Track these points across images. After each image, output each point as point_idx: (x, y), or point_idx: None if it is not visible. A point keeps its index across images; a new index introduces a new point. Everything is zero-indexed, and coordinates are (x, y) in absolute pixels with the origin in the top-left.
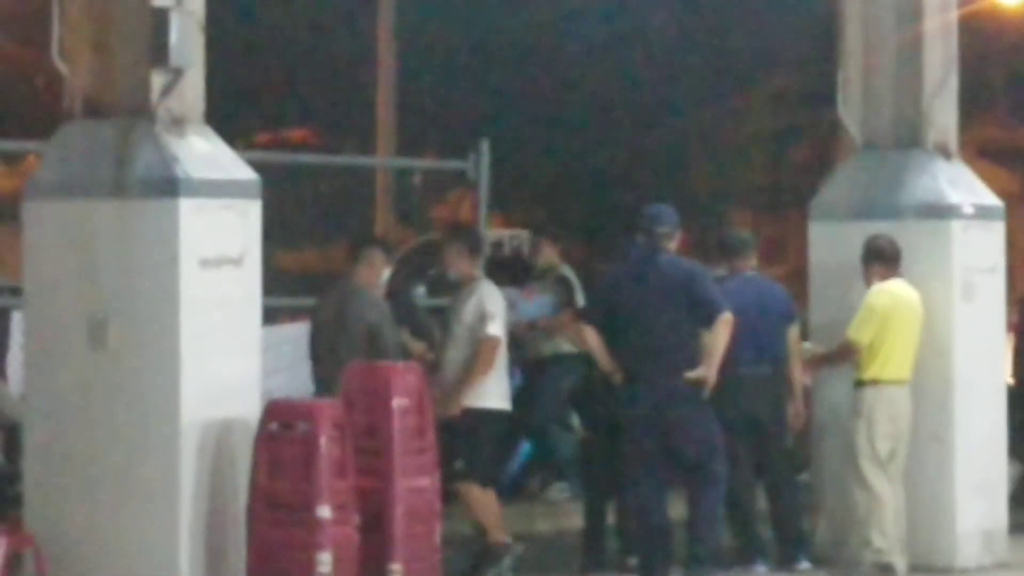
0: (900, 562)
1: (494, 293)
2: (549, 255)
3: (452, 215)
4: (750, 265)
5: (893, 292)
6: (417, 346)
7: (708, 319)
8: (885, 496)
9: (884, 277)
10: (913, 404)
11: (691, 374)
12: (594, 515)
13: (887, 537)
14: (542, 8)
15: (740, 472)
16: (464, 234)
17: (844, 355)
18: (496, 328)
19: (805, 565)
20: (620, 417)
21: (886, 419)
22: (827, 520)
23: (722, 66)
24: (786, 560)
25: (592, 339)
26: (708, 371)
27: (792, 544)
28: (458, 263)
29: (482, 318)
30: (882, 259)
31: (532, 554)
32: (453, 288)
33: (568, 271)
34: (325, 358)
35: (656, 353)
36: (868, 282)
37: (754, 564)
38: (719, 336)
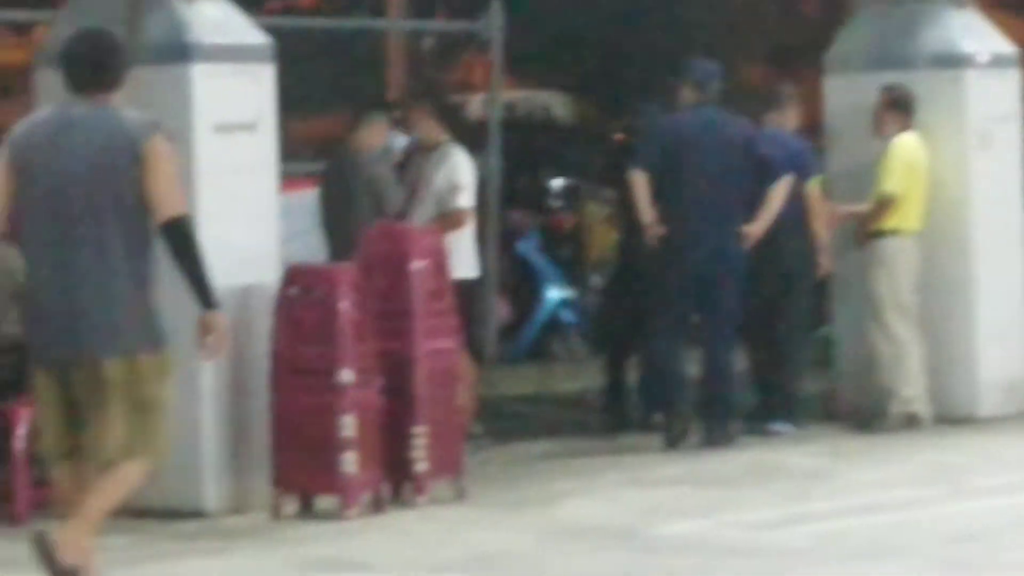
0: (926, 411)
1: (464, 162)
2: (427, 128)
3: (465, 79)
4: (779, 121)
5: (913, 143)
6: None
7: (767, 180)
8: (912, 345)
9: (902, 127)
10: (931, 255)
11: (745, 229)
12: (614, 373)
13: (914, 387)
14: None
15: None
16: (430, 96)
17: (884, 209)
18: (466, 200)
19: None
20: (656, 272)
21: (908, 269)
22: (848, 376)
23: None
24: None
25: (641, 187)
26: (758, 228)
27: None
28: (424, 126)
29: (452, 188)
30: (900, 108)
31: (554, 415)
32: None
33: (455, 148)
34: (334, 224)
35: (710, 209)
36: (882, 131)
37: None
38: (776, 198)
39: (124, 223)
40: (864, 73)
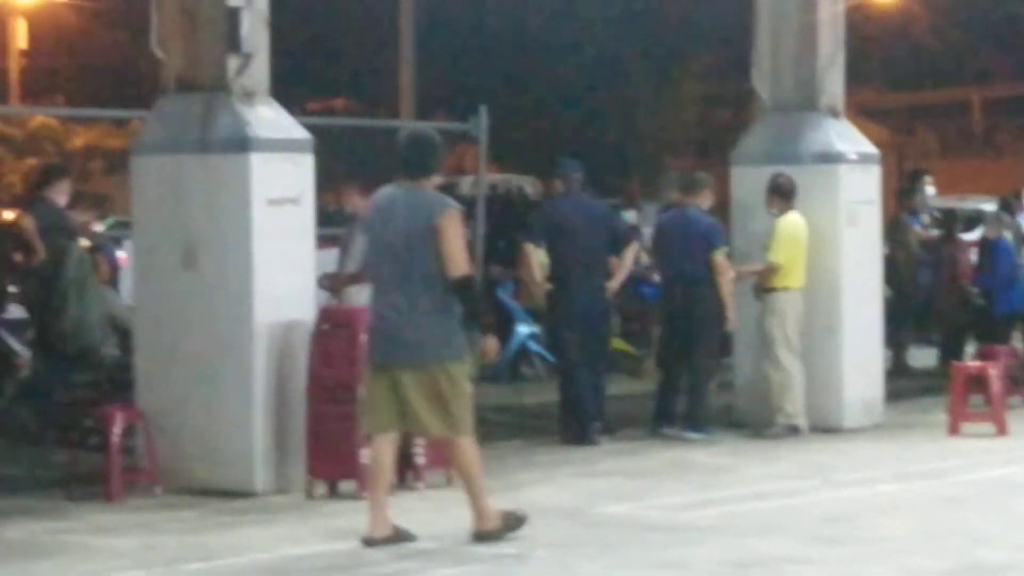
0: (805, 424)
1: None
2: (356, 204)
3: (458, 164)
4: (696, 201)
5: (796, 220)
6: None
7: (621, 245)
8: (796, 373)
9: (783, 208)
10: (810, 304)
11: (609, 283)
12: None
13: (796, 405)
14: (529, 6)
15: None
16: (361, 176)
17: (773, 273)
18: None
19: (693, 435)
20: (548, 318)
21: (795, 316)
22: (744, 395)
23: (663, 44)
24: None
25: (530, 256)
26: (615, 282)
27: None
28: (353, 200)
29: None
30: (781, 194)
31: (521, 422)
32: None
33: None
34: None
35: (583, 269)
36: (770, 210)
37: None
38: (627, 258)
39: (430, 269)
40: (762, 166)
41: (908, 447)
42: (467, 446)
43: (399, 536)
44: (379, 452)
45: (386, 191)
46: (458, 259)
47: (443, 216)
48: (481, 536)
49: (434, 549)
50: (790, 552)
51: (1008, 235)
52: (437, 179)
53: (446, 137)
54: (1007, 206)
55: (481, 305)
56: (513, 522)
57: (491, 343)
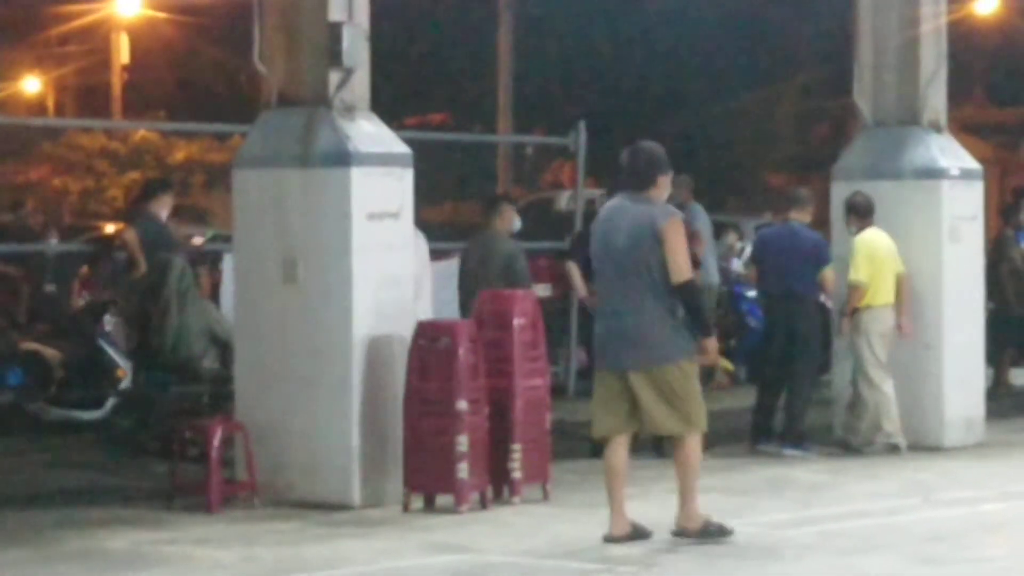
0: (903, 442)
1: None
2: (509, 218)
3: (556, 179)
4: (800, 217)
5: (874, 237)
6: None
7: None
8: (890, 392)
9: (861, 226)
10: (914, 320)
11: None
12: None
13: (895, 423)
14: (627, 23)
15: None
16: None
17: (856, 296)
18: None
19: (792, 451)
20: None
21: (882, 334)
22: (842, 413)
23: (764, 62)
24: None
25: (574, 273)
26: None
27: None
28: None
29: None
30: (857, 212)
31: None
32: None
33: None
34: (472, 291)
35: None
36: (848, 228)
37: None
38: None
39: (653, 276)
40: (864, 181)
41: (1011, 466)
42: (695, 443)
43: (637, 533)
44: (612, 455)
45: (613, 202)
46: (681, 265)
47: (667, 224)
48: (680, 532)
49: (528, 566)
50: (892, 571)
51: None
52: (665, 190)
53: (543, 152)
54: None
55: (704, 307)
56: (715, 530)
57: (711, 344)
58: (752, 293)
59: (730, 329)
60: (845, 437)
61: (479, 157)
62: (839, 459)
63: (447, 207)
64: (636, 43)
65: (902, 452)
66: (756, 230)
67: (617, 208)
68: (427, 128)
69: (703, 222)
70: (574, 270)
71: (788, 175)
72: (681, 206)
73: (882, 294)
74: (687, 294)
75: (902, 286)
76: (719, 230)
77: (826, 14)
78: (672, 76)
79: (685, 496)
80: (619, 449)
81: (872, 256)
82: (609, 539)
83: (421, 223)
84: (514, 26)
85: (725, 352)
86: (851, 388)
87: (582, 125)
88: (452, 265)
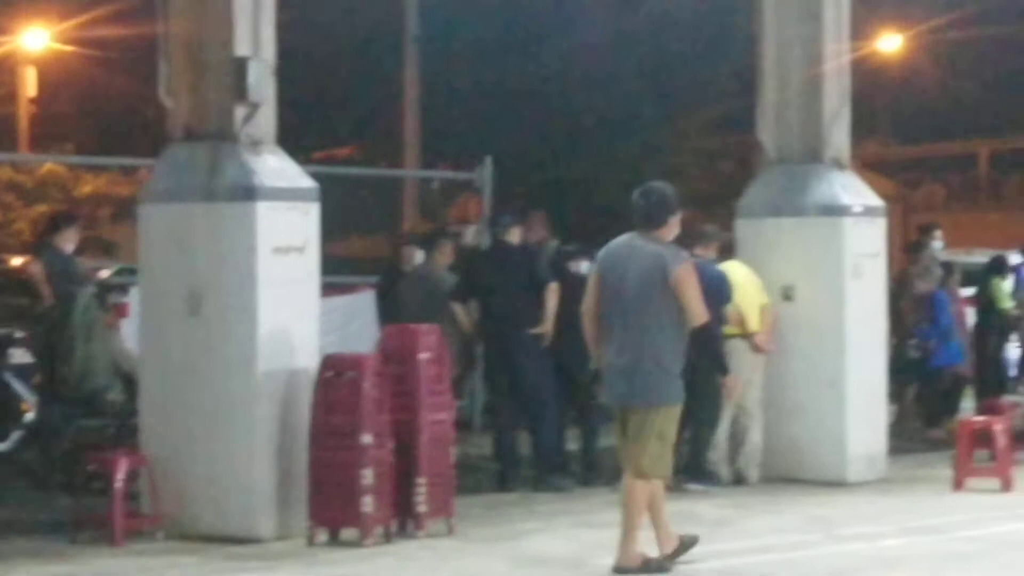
0: (725, 473)
1: None
2: (448, 253)
3: (462, 214)
4: (704, 253)
5: (730, 270)
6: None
7: (540, 290)
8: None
9: (719, 260)
10: (814, 357)
11: (533, 330)
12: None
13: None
14: (534, 57)
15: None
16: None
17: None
18: None
19: (695, 486)
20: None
21: (749, 365)
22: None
23: (670, 98)
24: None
25: (458, 309)
26: (545, 327)
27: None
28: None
29: None
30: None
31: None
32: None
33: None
34: (411, 320)
35: (507, 313)
36: None
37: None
38: (549, 301)
39: (660, 317)
40: (767, 218)
41: (913, 502)
42: (645, 486)
43: (647, 566)
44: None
45: (622, 239)
46: (698, 309)
47: (680, 268)
48: (620, 570)
49: None
50: None
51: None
52: (674, 230)
53: (450, 187)
54: (999, 262)
55: (722, 350)
56: (654, 567)
57: (731, 381)
58: None
59: None
60: (731, 469)
61: (386, 191)
62: (742, 494)
63: (354, 241)
64: (544, 79)
65: (720, 483)
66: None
67: (627, 247)
68: (334, 162)
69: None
70: (460, 309)
71: (694, 211)
72: (540, 244)
73: (749, 325)
74: (705, 337)
75: (766, 317)
76: None
77: (733, 51)
78: (580, 112)
79: (655, 520)
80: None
81: (735, 288)
82: (619, 570)
83: (328, 257)
84: (421, 60)
85: None
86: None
87: (488, 160)
88: (361, 299)
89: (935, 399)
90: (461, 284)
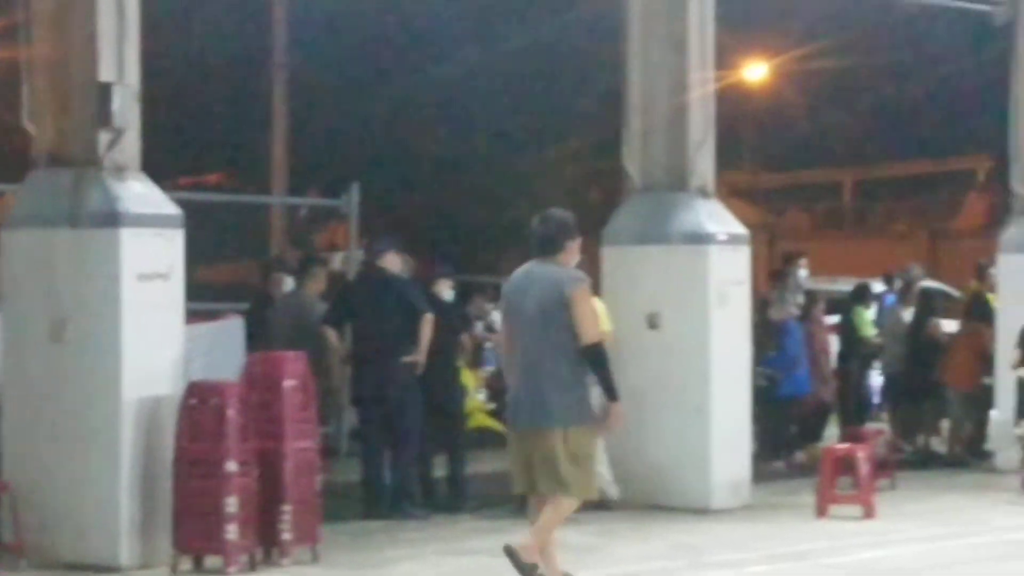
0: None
1: None
2: (321, 279)
3: (331, 240)
4: None
5: None
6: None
7: (414, 319)
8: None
9: None
10: (680, 384)
11: (406, 358)
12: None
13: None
14: (402, 86)
15: None
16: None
17: None
18: None
19: None
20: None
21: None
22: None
23: (538, 126)
24: None
25: (329, 334)
26: (418, 356)
27: None
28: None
29: None
30: None
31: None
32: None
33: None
34: (283, 346)
35: (379, 342)
36: None
37: None
38: (424, 331)
39: (561, 339)
40: (632, 246)
41: (777, 529)
42: (567, 505)
43: None
44: (533, 512)
45: (524, 266)
46: (588, 328)
47: (575, 289)
48: (511, 554)
49: None
50: None
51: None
52: (573, 255)
53: (319, 213)
54: (862, 291)
55: (610, 371)
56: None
57: (616, 408)
58: None
59: (501, 391)
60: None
61: (253, 218)
62: (608, 520)
63: (221, 268)
64: (411, 106)
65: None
66: None
67: (527, 273)
68: (202, 188)
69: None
70: (330, 332)
71: None
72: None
73: None
74: (593, 356)
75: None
76: (468, 293)
77: (602, 79)
78: (448, 139)
79: (537, 531)
80: (540, 505)
81: None
82: None
83: (194, 284)
84: (289, 87)
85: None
86: None
87: (355, 187)
88: (227, 326)
89: (781, 428)
90: (334, 308)
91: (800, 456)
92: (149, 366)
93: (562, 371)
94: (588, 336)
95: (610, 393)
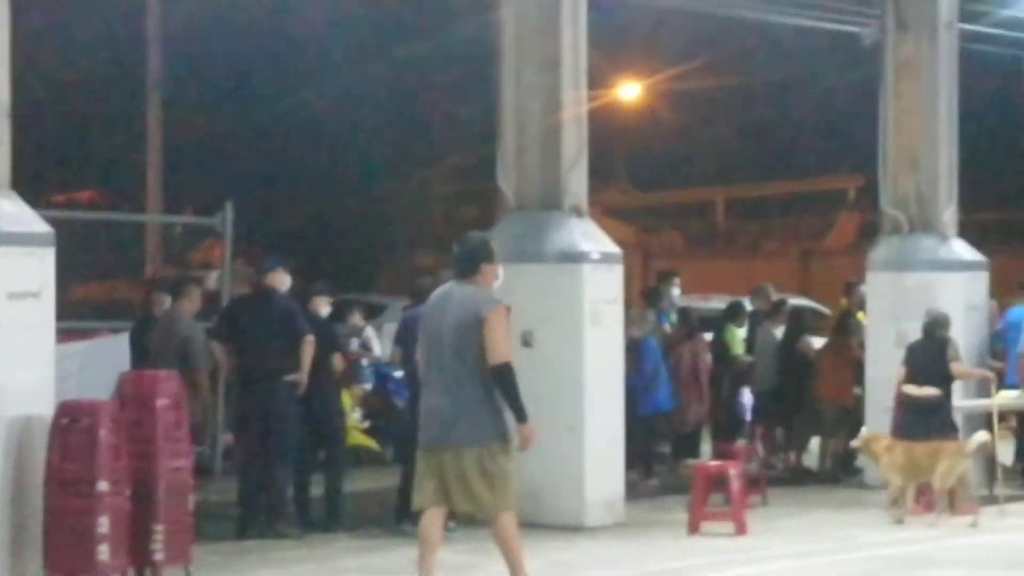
0: None
1: None
2: (196, 299)
3: (206, 259)
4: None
5: None
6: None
7: (297, 339)
8: None
9: None
10: (553, 403)
11: (288, 377)
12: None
13: None
14: (278, 105)
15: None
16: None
17: None
18: None
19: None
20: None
21: None
22: None
23: (413, 145)
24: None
25: (218, 350)
26: (301, 376)
27: None
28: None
29: None
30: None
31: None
32: None
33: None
34: (161, 365)
35: (264, 360)
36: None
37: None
38: (305, 353)
39: (477, 359)
40: (506, 264)
41: (649, 546)
42: (506, 522)
43: None
44: (426, 527)
45: (443, 288)
46: (498, 349)
47: (489, 310)
48: None
49: None
50: None
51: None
52: (495, 277)
53: (194, 231)
54: (734, 310)
55: (517, 391)
56: None
57: (528, 429)
58: (399, 373)
59: (377, 409)
60: None
61: (128, 236)
62: (481, 538)
63: (94, 286)
64: (288, 124)
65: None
66: (403, 310)
67: (446, 294)
68: (75, 206)
69: None
70: (218, 348)
71: (438, 256)
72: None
73: None
74: (499, 376)
75: None
76: (343, 310)
77: (478, 99)
78: (324, 159)
79: (510, 562)
80: (434, 520)
81: None
82: None
83: (67, 302)
84: (164, 105)
85: (372, 431)
86: None
87: (229, 205)
88: (99, 344)
89: (648, 447)
90: (221, 323)
91: (654, 483)
92: (20, 385)
93: (477, 390)
94: (497, 357)
95: (519, 414)
